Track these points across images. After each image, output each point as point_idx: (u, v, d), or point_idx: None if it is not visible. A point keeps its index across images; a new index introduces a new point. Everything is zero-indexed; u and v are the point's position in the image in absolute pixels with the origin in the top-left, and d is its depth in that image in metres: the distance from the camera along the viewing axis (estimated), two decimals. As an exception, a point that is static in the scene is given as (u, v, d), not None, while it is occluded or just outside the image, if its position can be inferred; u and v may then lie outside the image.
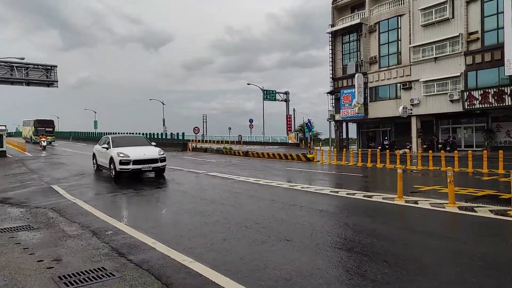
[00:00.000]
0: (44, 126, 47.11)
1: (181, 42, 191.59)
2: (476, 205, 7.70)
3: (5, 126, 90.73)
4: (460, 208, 7.39)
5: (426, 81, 26.22)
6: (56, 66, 30.56)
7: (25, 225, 6.64)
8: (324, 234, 5.79)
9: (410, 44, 27.09)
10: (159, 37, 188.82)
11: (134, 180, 12.97)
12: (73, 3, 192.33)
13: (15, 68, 28.66)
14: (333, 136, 36.06)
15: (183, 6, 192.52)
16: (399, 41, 28.47)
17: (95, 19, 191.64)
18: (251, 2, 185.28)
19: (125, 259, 4.70)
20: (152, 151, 13.35)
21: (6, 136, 79.19)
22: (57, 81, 30.74)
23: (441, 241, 5.39)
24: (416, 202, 8.10)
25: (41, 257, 4.80)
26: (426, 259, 4.58)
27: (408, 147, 26.95)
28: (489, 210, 7.10)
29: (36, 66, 29.81)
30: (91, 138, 57.31)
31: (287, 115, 47.61)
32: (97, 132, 59.78)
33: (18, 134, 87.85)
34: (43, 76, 30.00)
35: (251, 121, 48.80)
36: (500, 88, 22.13)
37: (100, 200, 9.17)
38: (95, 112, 77.88)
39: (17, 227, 6.54)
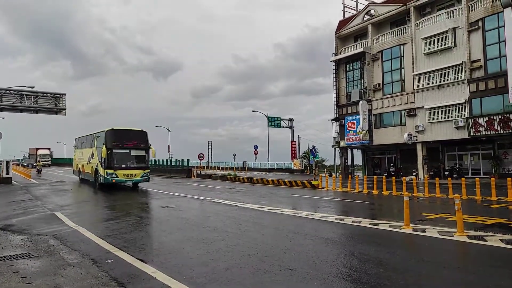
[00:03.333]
0: (128, 145, 20.52)
1: (189, 71, 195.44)
2: (485, 233, 7.49)
3: (49, 149, 71.60)
4: (469, 237, 7.19)
5: (430, 108, 26.27)
6: (65, 94, 31.13)
7: (25, 253, 6.54)
8: (329, 264, 5.62)
9: (413, 72, 27.36)
10: (169, 65, 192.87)
11: (136, 206, 12.87)
12: (86, 35, 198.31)
13: (25, 96, 29.24)
14: (338, 162, 35.88)
15: (192, 36, 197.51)
16: (402, 69, 28.78)
17: (107, 49, 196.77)
18: (258, 32, 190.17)
19: (124, 289, 4.58)
20: None
21: (50, 165, 63.59)
22: (65, 109, 31.21)
23: (451, 271, 5.20)
24: (424, 231, 7.90)
25: (39, 287, 4.69)
26: (436, 291, 4.40)
27: (414, 174, 26.67)
28: (500, 239, 6.90)
29: (45, 94, 30.39)
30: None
31: (291, 142, 47.68)
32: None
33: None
34: (51, 104, 30.52)
35: (255, 147, 48.87)
36: (506, 115, 22.07)
37: (102, 228, 9.06)
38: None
39: (17, 255, 6.44)
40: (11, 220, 10.52)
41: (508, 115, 22.02)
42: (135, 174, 20.11)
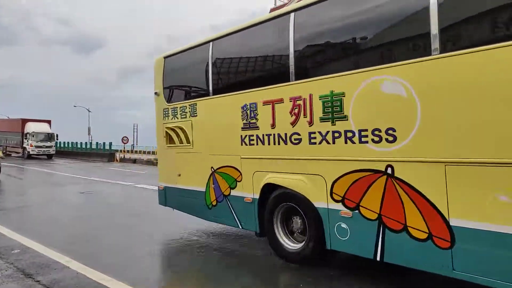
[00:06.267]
0: None
1: (117, 48, 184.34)
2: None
3: (50, 123, 34.23)
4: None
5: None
6: (-37, 65, 27.00)
7: None
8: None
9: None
10: (92, 41, 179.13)
11: (52, 190, 11.88)
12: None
13: None
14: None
15: (119, 10, 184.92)
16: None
17: (20, 16, 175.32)
18: (196, 14, 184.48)
19: (32, 281, 4.24)
20: None
21: (53, 155, 31.30)
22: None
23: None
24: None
25: None
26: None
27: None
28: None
29: None
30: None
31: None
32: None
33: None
34: None
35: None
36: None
37: (6, 214, 8.20)
38: (8, 117, 68.21)
39: None
40: None
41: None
42: None
